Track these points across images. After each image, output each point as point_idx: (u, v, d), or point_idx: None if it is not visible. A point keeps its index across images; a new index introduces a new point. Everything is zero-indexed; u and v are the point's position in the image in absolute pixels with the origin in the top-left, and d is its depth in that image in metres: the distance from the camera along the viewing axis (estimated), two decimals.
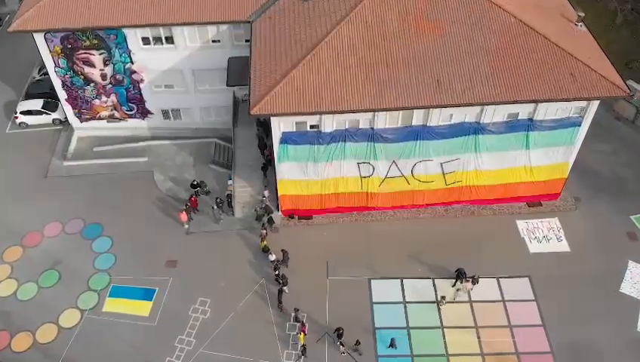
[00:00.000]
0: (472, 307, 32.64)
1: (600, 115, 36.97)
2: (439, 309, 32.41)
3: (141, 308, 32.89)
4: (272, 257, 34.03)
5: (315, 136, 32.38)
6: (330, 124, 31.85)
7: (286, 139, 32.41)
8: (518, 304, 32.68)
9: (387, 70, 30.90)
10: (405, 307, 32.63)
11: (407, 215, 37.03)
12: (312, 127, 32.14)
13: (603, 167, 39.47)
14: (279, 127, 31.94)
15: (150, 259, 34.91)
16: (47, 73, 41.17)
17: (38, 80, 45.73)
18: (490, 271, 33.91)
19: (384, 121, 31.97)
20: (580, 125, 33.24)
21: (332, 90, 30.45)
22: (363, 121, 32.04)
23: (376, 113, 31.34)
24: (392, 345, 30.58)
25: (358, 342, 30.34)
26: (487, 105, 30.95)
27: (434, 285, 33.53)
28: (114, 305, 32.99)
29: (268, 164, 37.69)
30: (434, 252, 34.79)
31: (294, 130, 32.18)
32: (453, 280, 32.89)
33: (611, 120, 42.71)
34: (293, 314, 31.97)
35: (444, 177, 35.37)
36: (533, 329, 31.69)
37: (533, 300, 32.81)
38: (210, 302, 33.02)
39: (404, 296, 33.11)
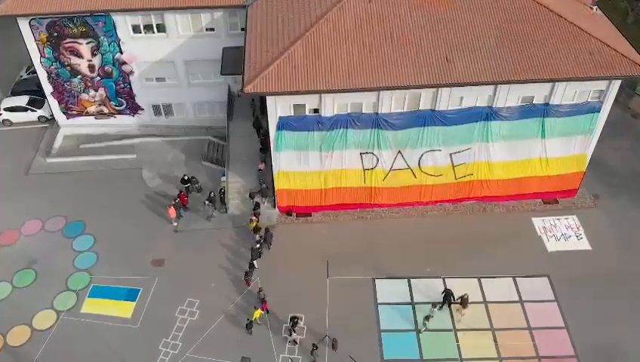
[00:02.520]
0: (486, 308, 29.75)
1: (616, 113, 35.16)
2: (451, 312, 29.48)
3: (123, 309, 29.99)
4: (258, 237, 31.77)
5: (315, 121, 30.00)
6: (330, 107, 29.52)
7: (283, 124, 30.02)
8: (537, 305, 29.81)
9: (392, 47, 28.81)
10: (414, 308, 29.73)
11: (414, 213, 34.34)
12: (311, 111, 29.78)
13: (621, 164, 37.10)
14: (276, 110, 29.58)
15: (135, 258, 32.17)
16: (34, 72, 39.17)
17: (25, 78, 43.73)
18: (506, 270, 31.22)
19: (389, 104, 29.64)
20: (599, 111, 30.93)
21: (333, 67, 28.26)
22: (366, 104, 29.71)
23: (380, 95, 29.04)
24: (333, 346, 27.75)
25: (315, 347, 27.50)
26: (501, 84, 28.67)
27: (445, 285, 30.64)
28: (93, 306, 30.11)
29: (264, 145, 35.15)
30: (444, 250, 32.10)
31: (292, 114, 29.80)
32: (441, 303, 29.34)
33: (627, 118, 40.60)
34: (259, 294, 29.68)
35: (454, 170, 32.84)
36: (555, 331, 28.78)
37: (553, 300, 29.97)
38: (199, 302, 30.13)
39: (412, 297, 30.23)
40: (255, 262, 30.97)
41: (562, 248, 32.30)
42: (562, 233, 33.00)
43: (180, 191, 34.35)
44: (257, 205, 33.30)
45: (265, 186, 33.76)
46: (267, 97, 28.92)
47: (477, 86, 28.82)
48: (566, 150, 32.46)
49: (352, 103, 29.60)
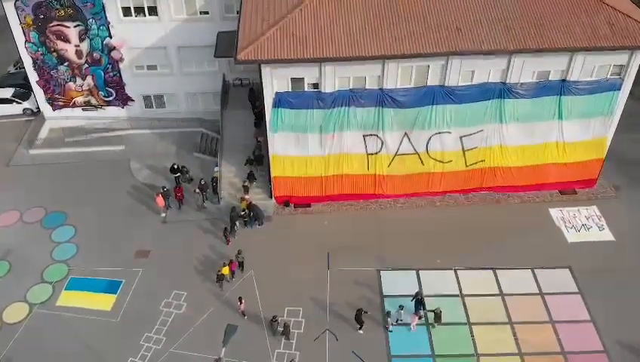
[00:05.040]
0: (503, 301, 27.02)
1: (631, 106, 32.83)
2: (465, 304, 26.77)
3: (102, 301, 27.28)
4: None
5: (314, 98, 27.81)
6: (331, 81, 27.37)
7: (280, 101, 27.83)
8: (559, 297, 27.11)
9: (398, 15, 26.88)
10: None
11: (422, 203, 31.86)
12: (310, 86, 27.64)
13: None
14: (272, 85, 27.42)
15: (118, 249, 29.62)
16: (22, 66, 37.40)
17: (13, 72, 41.97)
18: (523, 261, 28.60)
19: (395, 78, 27.50)
20: (619, 89, 28.79)
21: (334, 36, 26.26)
22: (370, 78, 27.57)
23: (385, 67, 26.93)
24: (284, 332, 25.35)
25: (274, 319, 25.33)
26: (515, 52, 26.58)
27: (457, 277, 28.01)
28: (70, 299, 27.42)
29: (260, 120, 32.90)
30: (455, 241, 29.54)
31: (290, 89, 27.64)
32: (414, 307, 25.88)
33: None
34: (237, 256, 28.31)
35: (465, 155, 30.50)
36: (580, 325, 25.99)
37: (577, 293, 27.26)
38: (187, 295, 27.44)
39: (420, 289, 27.45)
40: (237, 223, 29.42)
41: (583, 239, 29.75)
42: (582, 223, 30.48)
43: (175, 187, 31.77)
44: (252, 176, 30.85)
45: (261, 154, 31.33)
46: (262, 70, 26.79)
47: (489, 57, 26.81)
48: (584, 133, 30.21)
49: (354, 77, 27.47)
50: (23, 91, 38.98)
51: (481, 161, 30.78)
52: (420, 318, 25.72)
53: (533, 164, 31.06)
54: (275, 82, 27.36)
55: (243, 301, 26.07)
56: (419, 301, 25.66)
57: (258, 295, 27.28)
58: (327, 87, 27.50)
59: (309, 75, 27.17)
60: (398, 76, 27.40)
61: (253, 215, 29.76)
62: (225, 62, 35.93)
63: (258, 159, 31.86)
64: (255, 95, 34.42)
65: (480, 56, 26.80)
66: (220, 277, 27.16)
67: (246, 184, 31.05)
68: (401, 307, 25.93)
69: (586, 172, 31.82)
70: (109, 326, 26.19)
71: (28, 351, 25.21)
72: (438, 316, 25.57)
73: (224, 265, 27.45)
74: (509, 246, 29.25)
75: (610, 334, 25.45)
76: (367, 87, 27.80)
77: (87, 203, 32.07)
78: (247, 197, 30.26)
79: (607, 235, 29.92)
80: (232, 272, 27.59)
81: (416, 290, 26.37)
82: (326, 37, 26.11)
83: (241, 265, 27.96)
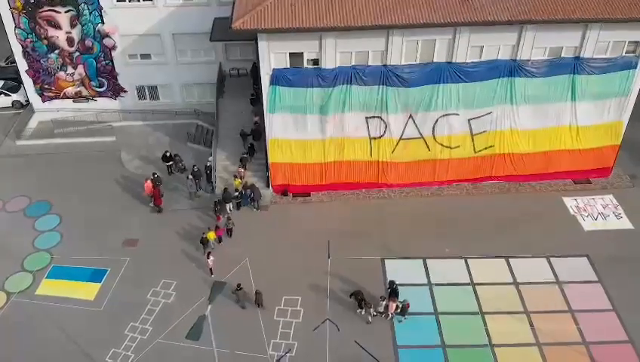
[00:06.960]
0: (518, 289, 25.07)
1: None
2: (476, 292, 24.85)
3: (85, 290, 25.37)
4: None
5: (314, 75, 26.33)
6: (332, 57, 25.91)
7: (277, 77, 26.34)
8: (577, 286, 25.22)
9: None
10: (431, 289, 25.05)
11: (427, 192, 30.13)
12: (310, 62, 26.17)
13: None
14: (269, 60, 25.96)
15: (105, 238, 27.85)
16: (13, 61, 36.19)
17: (4, 67, 40.71)
18: (538, 250, 26.83)
19: (399, 54, 26.05)
20: (635, 67, 27.36)
21: (335, 5, 24.87)
22: (373, 54, 26.13)
23: (389, 41, 25.50)
24: (257, 301, 24.12)
25: (239, 287, 24.11)
26: (525, 23, 25.14)
27: (467, 266, 26.12)
28: (51, 288, 25.52)
29: (257, 100, 31.36)
30: (464, 229, 27.81)
31: (288, 65, 26.17)
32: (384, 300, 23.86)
33: None
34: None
35: (473, 140, 28.90)
36: (602, 314, 24.09)
37: (596, 281, 25.35)
38: (176, 284, 25.56)
39: (428, 278, 25.59)
40: (229, 206, 28.10)
41: (601, 227, 28.03)
42: (599, 212, 28.72)
43: (160, 193, 29.69)
44: (252, 149, 29.14)
45: (258, 130, 29.67)
46: (259, 43, 25.38)
47: (498, 31, 25.41)
48: (599, 116, 28.68)
49: (356, 52, 26.04)
50: (13, 84, 37.72)
51: (491, 146, 29.19)
52: (396, 307, 23.67)
53: (546, 150, 29.46)
54: (272, 57, 25.92)
55: (211, 257, 25.30)
56: (393, 290, 23.78)
57: (253, 283, 25.31)
58: (328, 63, 26.05)
59: (308, 49, 25.74)
60: (402, 51, 25.97)
61: (248, 194, 28.01)
62: (221, 51, 34.73)
63: (255, 133, 30.18)
64: (258, 71, 32.94)
65: (489, 30, 25.42)
66: (204, 241, 26.10)
67: (245, 156, 29.31)
68: (382, 298, 24.00)
69: (601, 159, 30.20)
70: (91, 316, 24.26)
71: (4, 339, 23.21)
72: (403, 309, 23.57)
73: (209, 230, 26.33)
74: (521, 234, 27.48)
75: (634, 323, 23.47)
76: (370, 63, 26.33)
77: (74, 192, 30.42)
78: (241, 170, 28.53)
79: (625, 224, 28.19)
80: (219, 238, 26.62)
81: (390, 280, 24.42)
82: (326, 6, 24.76)
83: (229, 231, 26.74)
